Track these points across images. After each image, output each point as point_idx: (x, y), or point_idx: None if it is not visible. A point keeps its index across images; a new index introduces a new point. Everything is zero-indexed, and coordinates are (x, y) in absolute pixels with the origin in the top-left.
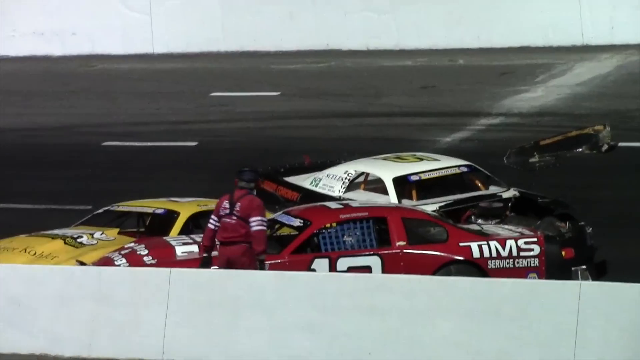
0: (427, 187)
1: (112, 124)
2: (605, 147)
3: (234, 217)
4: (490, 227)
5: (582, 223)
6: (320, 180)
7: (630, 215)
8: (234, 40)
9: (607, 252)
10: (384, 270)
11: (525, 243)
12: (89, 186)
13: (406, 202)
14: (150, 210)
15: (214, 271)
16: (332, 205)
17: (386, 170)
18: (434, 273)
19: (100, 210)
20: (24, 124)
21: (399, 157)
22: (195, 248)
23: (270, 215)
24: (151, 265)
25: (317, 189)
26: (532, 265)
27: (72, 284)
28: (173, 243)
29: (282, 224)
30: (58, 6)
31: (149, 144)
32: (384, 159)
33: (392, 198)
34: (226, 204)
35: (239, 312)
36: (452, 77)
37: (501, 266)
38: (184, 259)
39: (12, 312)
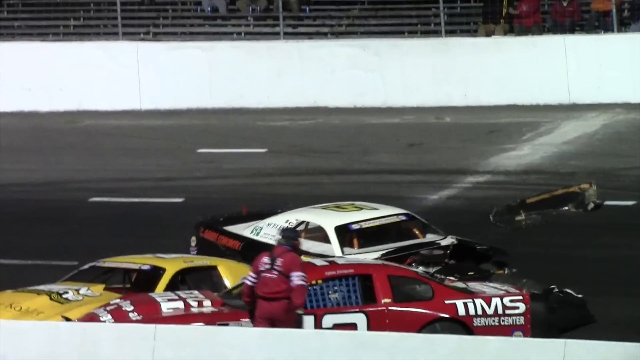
0: (368, 236)
1: (99, 180)
2: (591, 205)
3: (275, 272)
4: (475, 285)
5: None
6: (262, 229)
7: (615, 274)
8: (221, 97)
9: (592, 310)
10: (369, 328)
11: (511, 301)
12: (76, 242)
13: (348, 251)
14: (136, 267)
15: (199, 327)
16: (318, 262)
17: (327, 219)
18: (419, 330)
19: (86, 266)
20: (11, 179)
21: (338, 206)
22: (181, 304)
23: None
24: (137, 321)
25: (259, 238)
26: (517, 323)
27: (57, 340)
28: (159, 299)
29: None
30: (46, 61)
31: (135, 200)
32: (324, 207)
33: (335, 246)
34: (266, 259)
35: None
36: (439, 134)
37: (487, 324)
38: (170, 315)
39: None
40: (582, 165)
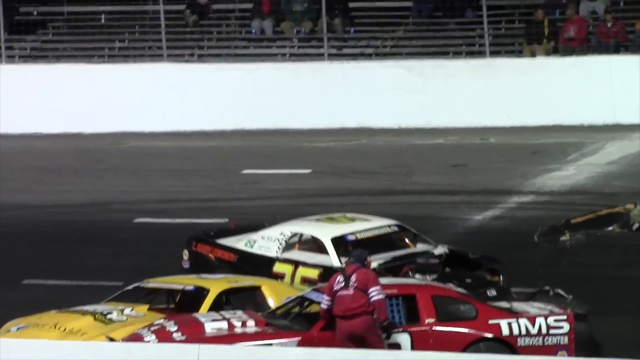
0: (363, 246)
1: (144, 201)
2: (636, 225)
3: (352, 289)
4: (519, 304)
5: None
6: (255, 241)
7: None
8: (266, 118)
9: (636, 330)
10: (413, 347)
11: (555, 321)
12: (120, 262)
13: (345, 261)
14: (180, 287)
15: (243, 348)
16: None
17: (323, 230)
18: (463, 350)
19: (131, 287)
20: (56, 200)
21: (331, 219)
22: (224, 325)
23: (299, 293)
24: (180, 341)
25: (253, 250)
26: (561, 343)
27: None
28: (202, 320)
29: (312, 301)
30: (91, 83)
31: (180, 220)
32: (317, 220)
33: (333, 257)
34: (340, 279)
35: None
36: (484, 155)
37: (531, 344)
38: (214, 335)
39: None
40: (626, 186)
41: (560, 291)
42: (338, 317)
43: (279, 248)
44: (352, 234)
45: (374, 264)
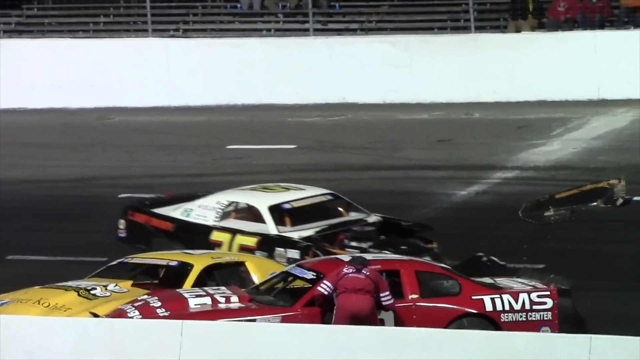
0: (299, 214)
1: (129, 176)
2: (620, 201)
3: (363, 276)
4: (503, 280)
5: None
6: (192, 210)
7: None
8: (251, 94)
9: (620, 305)
10: (396, 323)
11: (538, 296)
12: (105, 238)
13: (282, 229)
14: (164, 263)
15: (227, 324)
16: (345, 258)
17: (260, 199)
18: (446, 326)
19: (114, 262)
20: (41, 175)
21: (266, 188)
22: (208, 300)
23: (283, 268)
24: (164, 317)
25: (190, 219)
26: (545, 318)
27: (85, 336)
28: (186, 295)
29: (295, 277)
30: (76, 58)
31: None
32: (252, 189)
33: (270, 225)
34: (350, 268)
35: None
36: (469, 130)
37: (514, 319)
38: (197, 311)
39: None
40: (611, 161)
41: (495, 258)
42: (344, 295)
43: (215, 216)
44: (287, 202)
45: (310, 232)
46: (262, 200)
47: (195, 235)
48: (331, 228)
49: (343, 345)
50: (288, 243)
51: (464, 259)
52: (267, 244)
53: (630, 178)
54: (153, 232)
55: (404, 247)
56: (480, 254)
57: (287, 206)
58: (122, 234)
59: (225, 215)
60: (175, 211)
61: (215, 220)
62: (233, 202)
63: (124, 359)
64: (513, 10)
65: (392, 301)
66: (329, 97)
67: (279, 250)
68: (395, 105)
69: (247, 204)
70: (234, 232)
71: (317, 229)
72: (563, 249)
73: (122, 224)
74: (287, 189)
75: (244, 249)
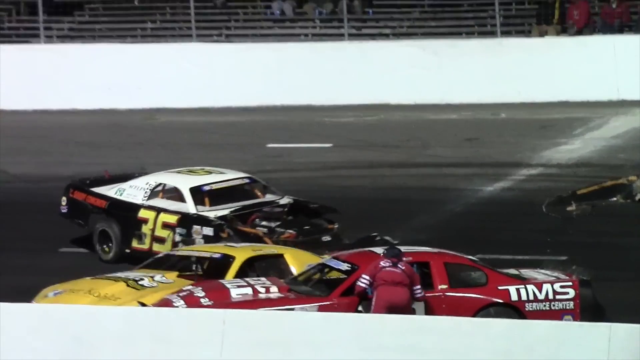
0: (217, 196)
1: None
2: (638, 196)
3: (399, 270)
4: (527, 271)
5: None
6: (124, 190)
7: None
8: (290, 95)
9: (638, 295)
10: (426, 312)
11: (561, 287)
12: None
13: (201, 208)
14: (207, 255)
15: (266, 312)
16: (378, 250)
17: (183, 181)
18: (474, 315)
19: (161, 254)
20: (93, 172)
21: (191, 171)
22: (249, 290)
23: (319, 260)
24: (208, 306)
25: (122, 198)
26: (567, 307)
27: (132, 324)
28: (228, 286)
29: (331, 268)
30: (124, 62)
31: None
32: (179, 172)
33: (190, 205)
34: (386, 262)
35: (290, 351)
36: (495, 130)
37: (538, 309)
38: (239, 301)
39: (76, 351)
40: (630, 158)
41: (388, 238)
42: (383, 287)
43: (144, 196)
44: (207, 184)
45: (225, 212)
46: (184, 182)
47: (126, 213)
48: (245, 208)
49: (376, 332)
50: (204, 221)
51: (358, 238)
52: (186, 222)
53: None
54: (90, 208)
55: (307, 227)
56: (375, 233)
57: (206, 188)
58: (64, 210)
59: (153, 195)
60: (111, 190)
61: (143, 199)
62: (160, 183)
63: (169, 346)
64: (538, 16)
65: (423, 294)
66: (363, 98)
67: (196, 227)
68: (425, 105)
69: (172, 185)
70: (158, 210)
71: (232, 209)
72: (584, 242)
73: (64, 200)
74: (210, 172)
75: (166, 225)
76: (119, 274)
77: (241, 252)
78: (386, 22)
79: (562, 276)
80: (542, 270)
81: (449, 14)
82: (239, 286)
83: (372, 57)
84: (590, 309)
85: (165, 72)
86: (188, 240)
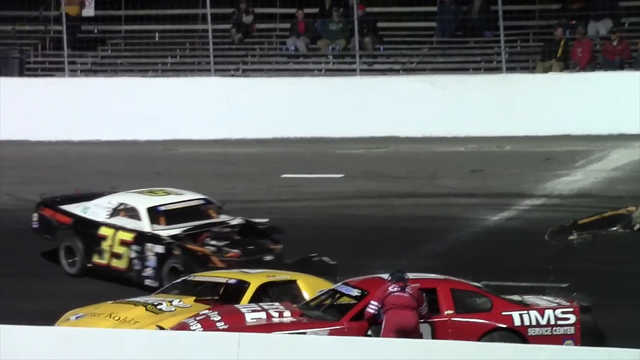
0: (173, 215)
1: None
2: (637, 226)
3: (407, 294)
4: (530, 298)
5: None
6: (89, 208)
7: None
8: (304, 128)
9: (637, 322)
10: (433, 337)
11: (563, 313)
12: None
13: (156, 227)
14: (223, 281)
15: (280, 336)
16: (385, 276)
17: (141, 201)
18: (479, 339)
19: (179, 280)
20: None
21: (151, 192)
22: (263, 315)
23: (331, 286)
24: (223, 330)
25: (86, 215)
26: (568, 333)
27: (151, 347)
28: (243, 310)
29: (342, 294)
30: (145, 95)
31: None
32: (140, 192)
33: (145, 223)
34: (394, 287)
35: None
36: (500, 162)
37: (540, 334)
38: (253, 325)
39: None
40: (629, 190)
41: (325, 259)
42: (392, 310)
43: (106, 214)
44: (163, 205)
45: (178, 231)
46: (142, 202)
47: (88, 229)
48: (196, 228)
49: (384, 356)
50: (156, 239)
51: (297, 259)
52: (141, 240)
53: None
54: (57, 225)
55: (251, 247)
56: (313, 254)
57: (162, 208)
58: (35, 225)
59: (115, 213)
60: (77, 208)
61: (105, 217)
62: (122, 202)
63: None
64: (542, 53)
65: (427, 310)
66: (374, 131)
67: (149, 245)
68: (433, 138)
69: (131, 205)
70: (117, 228)
71: (184, 229)
72: (585, 270)
73: (35, 217)
74: (169, 193)
75: (123, 242)
76: (138, 299)
77: (256, 278)
78: (396, 58)
79: (564, 302)
80: (545, 297)
81: (457, 51)
82: (253, 311)
83: (383, 92)
84: (591, 334)
85: (184, 105)
86: (142, 257)
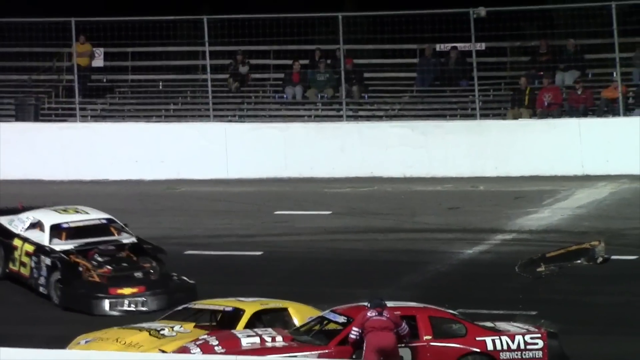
0: (74, 232)
1: (193, 236)
2: (600, 259)
3: (385, 318)
4: (502, 324)
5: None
6: (14, 221)
7: (621, 318)
8: (295, 169)
9: (599, 347)
10: (413, 359)
11: (531, 338)
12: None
13: (56, 241)
14: (220, 308)
15: (273, 359)
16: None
17: (49, 217)
18: None
19: (180, 308)
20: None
21: (64, 210)
22: (257, 340)
23: (319, 314)
24: (220, 353)
25: (9, 227)
26: (536, 357)
27: None
28: (239, 335)
29: (329, 320)
30: (150, 139)
31: (222, 253)
32: (55, 210)
33: (46, 238)
34: (373, 313)
35: None
36: (474, 200)
37: (511, 357)
38: (248, 349)
39: None
40: (592, 226)
41: (185, 278)
42: (371, 333)
43: (23, 227)
44: (66, 222)
45: (70, 246)
46: (49, 219)
47: (7, 239)
48: (87, 245)
49: None
50: (46, 252)
51: (160, 276)
52: (38, 252)
53: (609, 240)
54: None
55: (124, 264)
56: (174, 274)
57: (65, 225)
58: None
59: (32, 227)
60: (7, 220)
61: (21, 230)
62: (36, 218)
63: None
64: (512, 101)
65: (407, 329)
66: (359, 172)
67: (42, 257)
68: (413, 178)
69: (39, 220)
70: (25, 240)
71: (77, 245)
72: (552, 299)
73: None
74: (76, 211)
75: (27, 253)
76: (142, 324)
77: (250, 306)
78: (380, 105)
79: (532, 329)
80: (515, 324)
81: (435, 99)
82: (248, 336)
83: (367, 136)
84: (557, 358)
85: (185, 148)
86: (39, 267)
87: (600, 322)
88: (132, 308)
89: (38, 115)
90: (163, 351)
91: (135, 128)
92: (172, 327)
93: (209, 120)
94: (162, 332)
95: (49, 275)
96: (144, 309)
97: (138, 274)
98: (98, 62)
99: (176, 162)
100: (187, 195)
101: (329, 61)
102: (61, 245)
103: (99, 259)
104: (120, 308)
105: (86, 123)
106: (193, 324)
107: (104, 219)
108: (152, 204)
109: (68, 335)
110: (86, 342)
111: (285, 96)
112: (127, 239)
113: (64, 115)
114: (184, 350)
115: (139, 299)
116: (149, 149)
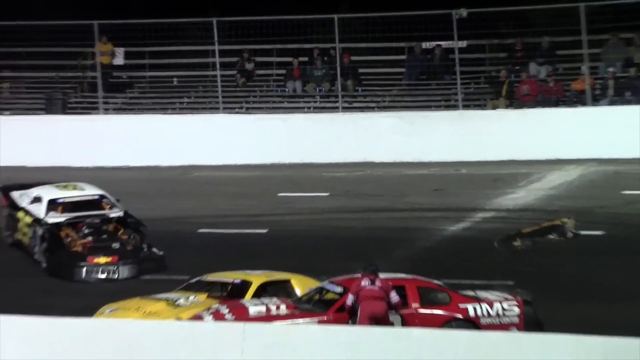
0: (70, 206)
1: (205, 216)
2: (570, 235)
3: (377, 287)
4: (482, 292)
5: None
6: (23, 195)
7: (587, 286)
8: (296, 155)
9: (569, 312)
10: (403, 325)
11: (508, 305)
12: (187, 261)
13: (53, 214)
14: (230, 280)
15: (278, 324)
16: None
17: (48, 193)
18: (440, 327)
19: (194, 280)
20: (141, 216)
21: (65, 186)
22: (264, 308)
23: (318, 284)
24: (231, 320)
25: (18, 201)
26: (513, 322)
27: (171, 334)
28: (247, 304)
29: (328, 291)
30: (166, 129)
31: (231, 231)
32: (56, 186)
33: (43, 211)
34: (366, 281)
35: (295, 353)
36: (457, 182)
37: (491, 322)
38: (256, 316)
39: (128, 354)
40: (563, 205)
41: (154, 249)
42: (365, 301)
43: (28, 201)
44: (62, 197)
45: (62, 219)
46: (48, 194)
47: (14, 210)
48: (76, 218)
49: (364, 340)
50: (39, 224)
51: (133, 247)
52: (35, 223)
53: (578, 218)
54: (1, 205)
55: (103, 236)
56: (144, 245)
57: (60, 200)
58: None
59: (34, 200)
60: (18, 194)
61: (27, 203)
62: (39, 193)
63: (200, 351)
64: (491, 93)
65: (397, 298)
66: (354, 157)
67: (37, 228)
68: (402, 163)
69: (40, 196)
70: (26, 212)
71: (69, 217)
72: (527, 271)
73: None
74: (75, 187)
75: (27, 225)
76: (160, 295)
77: (257, 278)
78: (372, 97)
79: (509, 297)
80: (494, 292)
81: (422, 92)
82: (255, 304)
83: (361, 126)
84: (532, 323)
85: (198, 137)
86: (35, 237)
87: (570, 290)
88: (104, 276)
89: (65, 108)
90: (179, 319)
91: (152, 120)
92: (187, 298)
93: (219, 112)
94: (177, 301)
95: (41, 245)
96: (114, 276)
97: (115, 245)
98: (119, 60)
99: (189, 150)
100: (198, 179)
101: (326, 58)
102: (55, 218)
103: (86, 230)
104: (94, 276)
105: (108, 115)
106: (206, 294)
107: (97, 194)
108: (167, 187)
109: (95, 305)
110: (110, 311)
111: (286, 90)
112: (114, 213)
113: (88, 108)
114: (198, 317)
115: (112, 267)
116: (165, 138)
